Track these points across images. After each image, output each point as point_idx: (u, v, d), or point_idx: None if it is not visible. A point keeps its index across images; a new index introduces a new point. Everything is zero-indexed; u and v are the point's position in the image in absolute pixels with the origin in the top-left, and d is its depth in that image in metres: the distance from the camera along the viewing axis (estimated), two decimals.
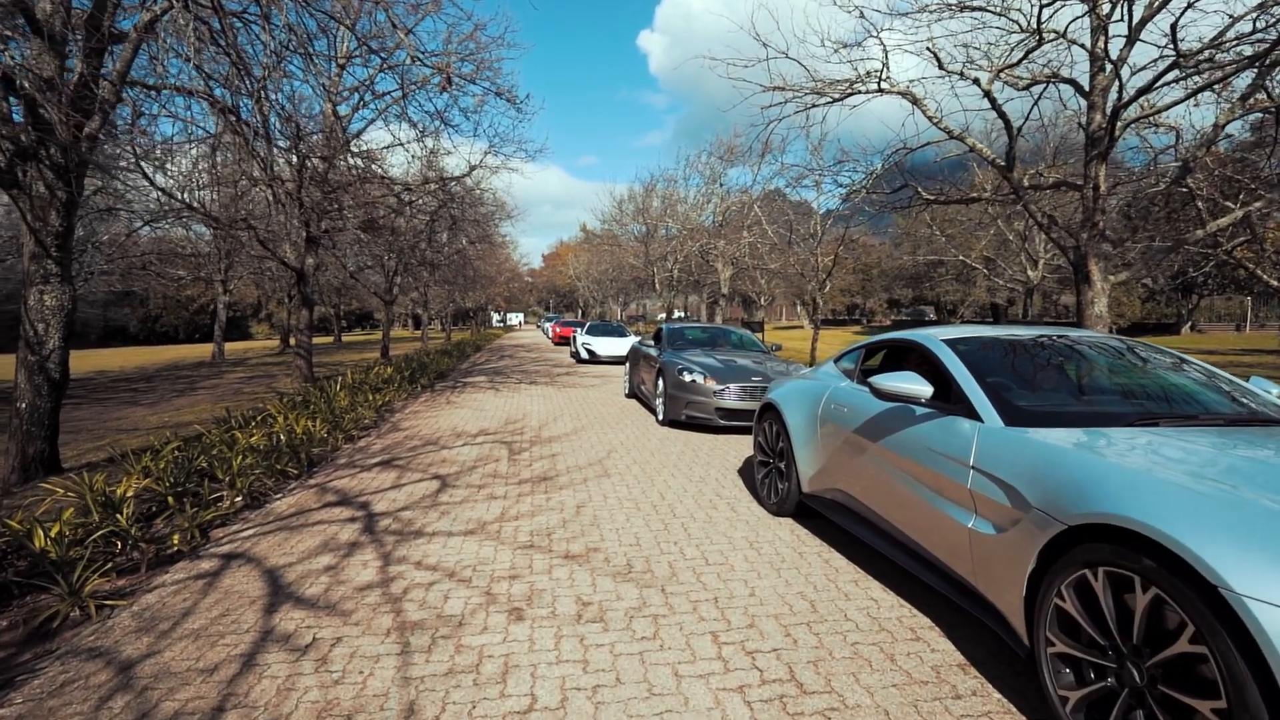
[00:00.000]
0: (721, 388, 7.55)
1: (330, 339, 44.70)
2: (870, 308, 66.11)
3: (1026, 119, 9.78)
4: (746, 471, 5.86)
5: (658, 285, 34.53)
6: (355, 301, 49.81)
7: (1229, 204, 11.55)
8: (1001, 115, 9.05)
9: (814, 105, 11.20)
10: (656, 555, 3.78)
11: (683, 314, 47.47)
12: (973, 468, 2.56)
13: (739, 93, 16.83)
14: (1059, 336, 3.48)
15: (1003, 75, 9.20)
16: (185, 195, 13.53)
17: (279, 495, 5.43)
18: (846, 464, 3.61)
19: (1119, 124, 8.46)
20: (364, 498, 5.15)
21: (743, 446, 7.06)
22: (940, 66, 8.92)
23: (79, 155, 6.04)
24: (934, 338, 3.34)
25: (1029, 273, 24.53)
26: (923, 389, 2.89)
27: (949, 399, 2.95)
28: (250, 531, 4.46)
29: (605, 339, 20.10)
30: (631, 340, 20.14)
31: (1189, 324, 44.42)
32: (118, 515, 4.15)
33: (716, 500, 4.91)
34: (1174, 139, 10.64)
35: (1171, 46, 6.98)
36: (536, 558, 3.79)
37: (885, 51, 10.06)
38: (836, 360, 4.34)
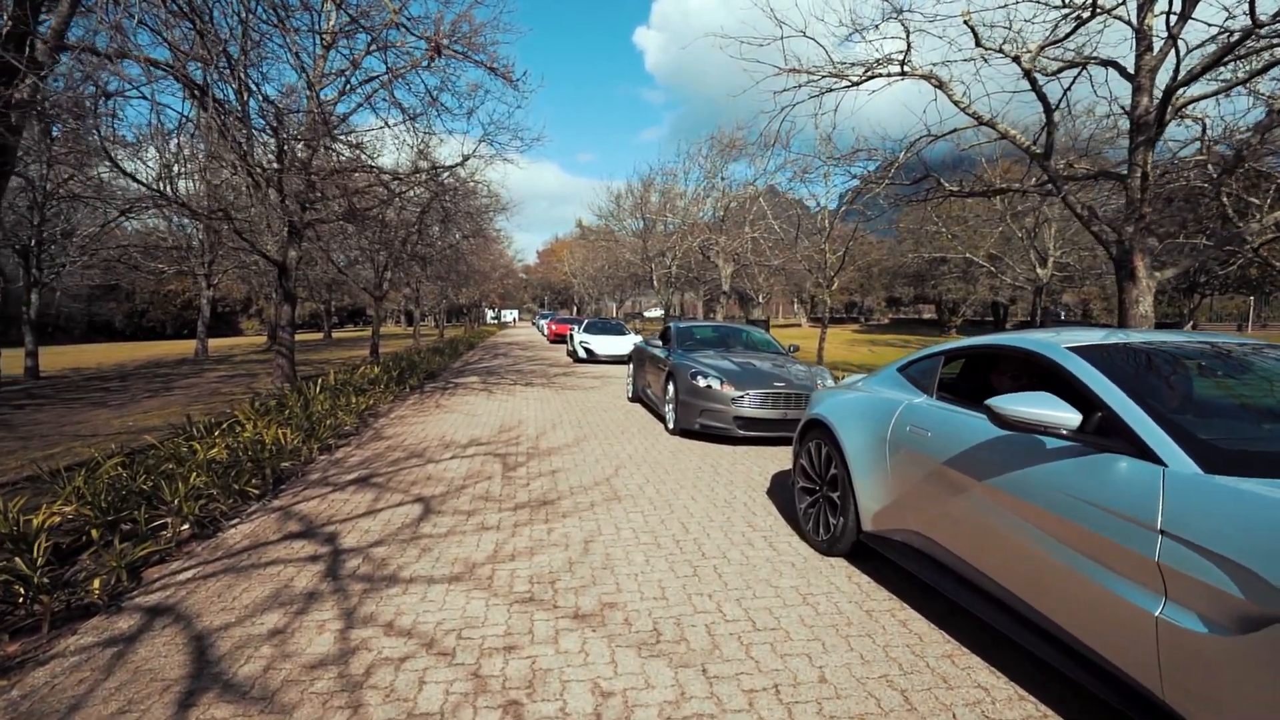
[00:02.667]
0: (740, 394, 6.79)
1: (320, 335, 43.76)
2: (869, 305, 65.53)
3: (1058, 106, 9.05)
4: (777, 493, 5.11)
5: (656, 282, 33.75)
6: (347, 297, 48.81)
7: (1252, 199, 10.91)
8: (1042, 98, 8.32)
9: (831, 89, 10.48)
10: (689, 615, 3.02)
11: (678, 312, 46.70)
12: (1162, 533, 1.81)
13: (750, 76, 16.04)
14: (1204, 342, 2.72)
15: (1041, 56, 8.47)
16: (162, 184, 12.67)
17: (234, 521, 4.65)
18: (932, 503, 2.86)
19: (1170, 108, 7.75)
20: (332, 527, 4.37)
21: (765, 459, 6.31)
22: (978, 42, 8.18)
23: (7, 125, 5.22)
24: (1053, 344, 2.59)
25: (1038, 271, 23.88)
26: (1067, 416, 2.14)
27: (1099, 430, 2.19)
28: (190, 573, 3.68)
29: (604, 337, 19.30)
30: (632, 339, 19.36)
31: (1190, 323, 43.93)
32: (17, 558, 3.36)
33: (750, 533, 4.15)
34: (1200, 130, 9.98)
35: (1248, 15, 6.24)
36: (538, 617, 3.02)
37: (908, 31, 9.34)
38: (902, 369, 3.58)
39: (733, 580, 3.41)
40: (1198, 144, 10.17)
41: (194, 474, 5.20)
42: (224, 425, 7.28)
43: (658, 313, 67.82)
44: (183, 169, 11.59)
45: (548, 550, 3.88)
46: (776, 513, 4.59)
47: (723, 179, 28.13)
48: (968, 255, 26.46)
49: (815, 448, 3.88)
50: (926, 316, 68.03)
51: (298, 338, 46.91)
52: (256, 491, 5.23)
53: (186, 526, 4.48)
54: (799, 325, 59.83)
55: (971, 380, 3.30)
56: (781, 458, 6.42)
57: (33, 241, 16.89)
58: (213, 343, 36.68)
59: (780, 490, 5.19)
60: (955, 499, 2.69)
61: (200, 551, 4.09)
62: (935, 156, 12.49)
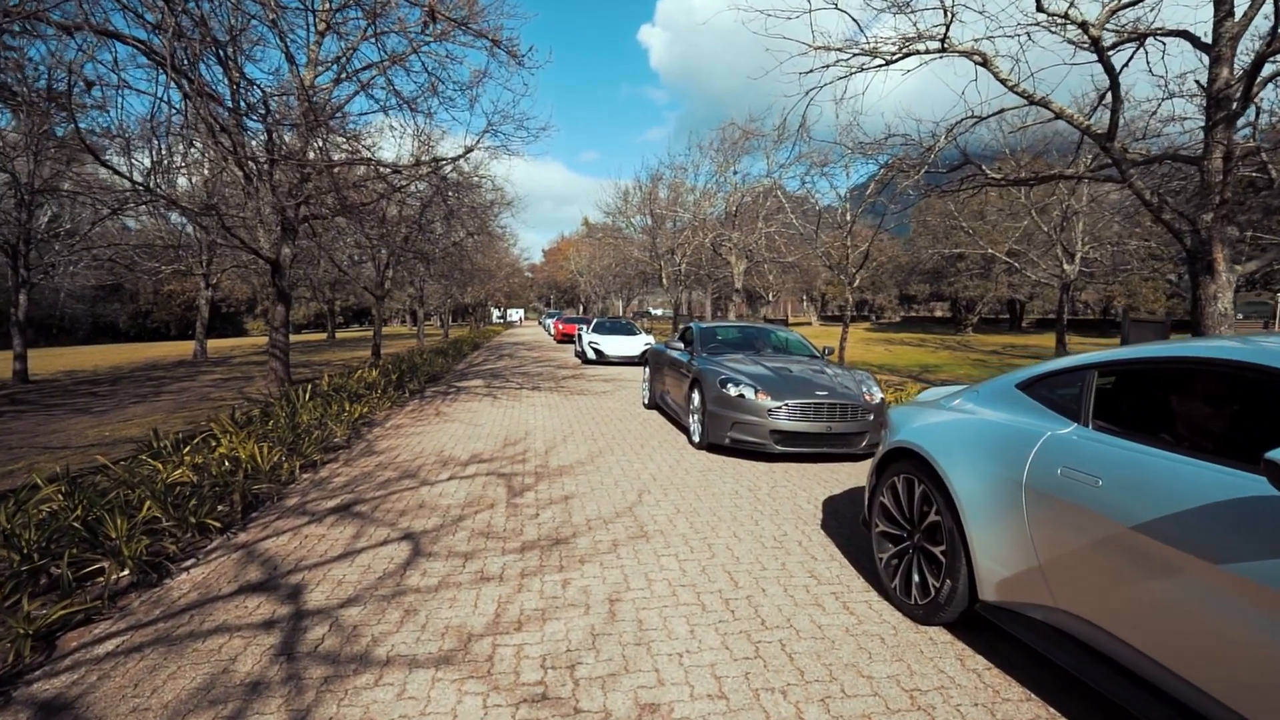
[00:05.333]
0: (777, 405, 5.96)
1: (324, 335, 43.18)
2: (879, 304, 64.45)
3: (1122, 70, 8.13)
4: (835, 528, 4.29)
5: (665, 280, 32.90)
6: (352, 297, 48.22)
7: None
8: (1109, 70, 7.45)
9: (863, 69, 9.64)
10: None
11: (686, 310, 45.81)
12: None
13: (773, 57, 15.19)
14: None
15: (1102, 27, 7.60)
16: (151, 178, 11.92)
17: (187, 564, 3.87)
18: (1104, 579, 2.04)
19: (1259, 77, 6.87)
20: (300, 575, 3.58)
21: (810, 480, 5.48)
22: (1040, 6, 7.31)
23: None
24: None
25: (1065, 267, 22.90)
26: None
27: None
28: (115, 642, 2.90)
29: (614, 338, 18.46)
30: (643, 339, 18.55)
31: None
32: None
33: (815, 588, 3.33)
34: (1253, 114, 9.10)
35: None
36: None
37: (946, 4, 8.49)
38: (1026, 385, 2.75)
39: (809, 665, 2.59)
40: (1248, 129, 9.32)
41: (147, 504, 4.44)
42: (197, 439, 6.52)
43: (657, 312, 66.86)
44: (160, 157, 10.85)
45: (563, 614, 3.07)
46: (841, 557, 3.77)
47: (735, 173, 27.27)
48: (990, 251, 25.46)
49: (905, 485, 3.05)
50: (939, 314, 66.91)
51: (301, 338, 46.15)
52: (219, 525, 4.43)
53: (127, 573, 3.71)
54: (809, 324, 58.90)
55: (1146, 404, 2.46)
56: (828, 479, 5.60)
57: (20, 240, 16.23)
58: (215, 343, 36.13)
59: (839, 525, 4.36)
60: (1156, 582, 1.86)
61: (138, 607, 3.31)
62: (951, 154, 11.51)
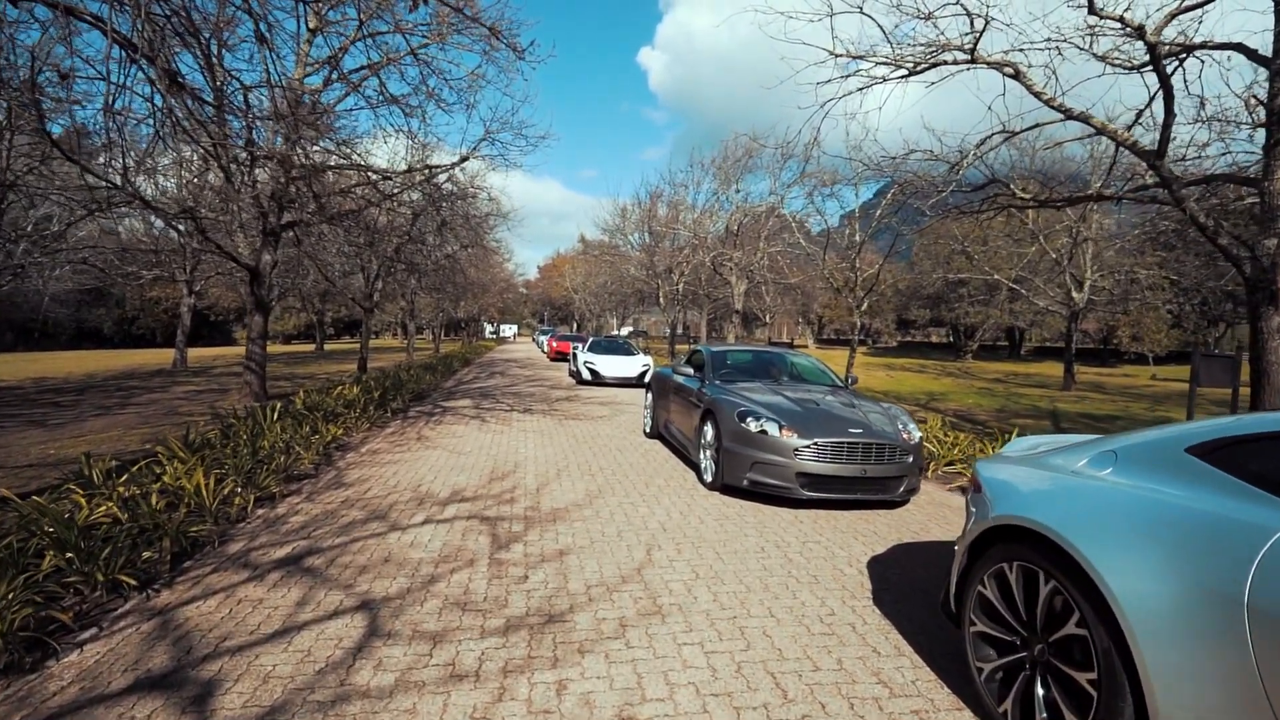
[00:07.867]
0: (805, 444, 5.19)
1: (312, 347, 42.20)
2: (876, 328, 64.04)
3: (1170, 93, 7.53)
4: (893, 603, 3.50)
5: (662, 299, 32.24)
6: (343, 308, 47.30)
7: None
8: (1163, 81, 6.85)
9: (885, 79, 9.07)
10: None
11: (681, 331, 45.15)
12: None
13: (789, 66, 14.68)
14: None
15: (1159, 34, 7.00)
16: (114, 172, 11.13)
17: (84, 636, 3.06)
18: None
19: None
20: (216, 664, 2.76)
21: (842, 532, 4.70)
22: (1092, 9, 6.72)
23: None
24: None
25: (1074, 294, 22.41)
26: None
27: None
28: None
29: (611, 358, 17.67)
30: (641, 360, 17.80)
31: (1215, 353, 42.24)
32: None
33: (887, 700, 2.55)
34: None
35: None
36: None
37: (971, 15, 7.93)
38: (1204, 452, 1.98)
39: None
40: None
41: (48, 555, 3.64)
42: (138, 466, 5.68)
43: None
44: (126, 150, 10.09)
45: None
46: (909, 650, 2.98)
47: (737, 191, 26.79)
48: (997, 278, 24.98)
49: (1021, 576, 2.28)
50: (935, 340, 66.60)
51: (289, 349, 45.20)
52: (135, 582, 3.60)
53: None
54: (806, 346, 58.41)
55: None
56: (865, 532, 4.82)
57: None
58: (199, 352, 35.12)
59: (894, 599, 3.58)
60: None
61: None
62: (971, 173, 10.92)
